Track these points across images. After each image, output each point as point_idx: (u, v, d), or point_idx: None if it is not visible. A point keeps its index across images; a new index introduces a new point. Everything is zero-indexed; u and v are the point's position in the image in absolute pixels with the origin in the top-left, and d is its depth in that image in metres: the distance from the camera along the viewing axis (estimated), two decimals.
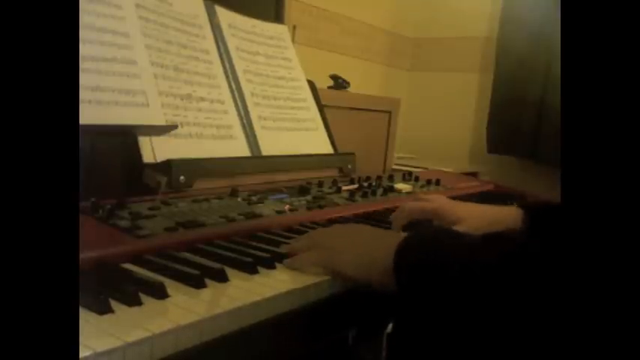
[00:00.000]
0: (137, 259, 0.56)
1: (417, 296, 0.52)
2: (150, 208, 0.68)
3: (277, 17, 1.29)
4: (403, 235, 0.56)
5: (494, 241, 0.52)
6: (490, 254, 0.49)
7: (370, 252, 0.57)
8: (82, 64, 0.75)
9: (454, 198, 1.07)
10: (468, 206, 0.84)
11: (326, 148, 1.15)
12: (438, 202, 0.82)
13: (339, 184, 0.96)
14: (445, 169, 1.56)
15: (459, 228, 0.71)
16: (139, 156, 0.78)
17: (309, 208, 0.80)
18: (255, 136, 0.99)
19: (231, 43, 1.05)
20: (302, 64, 1.20)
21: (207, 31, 1.01)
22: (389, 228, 0.78)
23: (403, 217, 0.78)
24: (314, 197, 0.87)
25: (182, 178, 0.79)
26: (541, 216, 0.79)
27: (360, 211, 0.84)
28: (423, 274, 0.51)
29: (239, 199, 0.79)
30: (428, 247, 0.54)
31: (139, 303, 0.45)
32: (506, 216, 0.80)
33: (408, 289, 0.53)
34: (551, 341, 0.41)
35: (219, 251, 0.60)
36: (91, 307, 0.43)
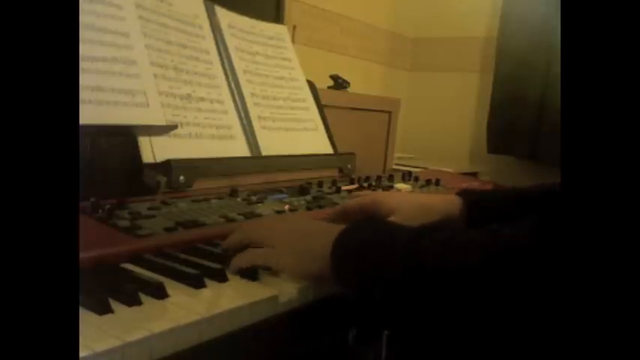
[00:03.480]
0: (137, 258, 0.56)
1: (359, 288, 0.52)
2: (149, 208, 0.68)
3: (277, 17, 1.29)
4: (340, 227, 0.55)
5: (429, 230, 0.51)
6: (426, 243, 0.49)
7: (308, 245, 0.56)
8: (82, 64, 0.75)
9: None
10: (401, 196, 0.84)
11: (326, 148, 1.15)
12: (372, 195, 0.80)
13: (339, 184, 0.96)
14: (445, 169, 1.56)
15: (394, 219, 0.69)
16: (139, 156, 0.78)
17: (308, 208, 0.80)
18: (254, 136, 0.99)
19: (231, 43, 1.05)
20: (302, 64, 1.20)
21: (207, 31, 1.01)
22: None
23: (340, 218, 0.75)
24: (314, 197, 0.87)
25: (182, 178, 0.79)
26: (478, 204, 0.78)
27: None
28: (360, 266, 0.51)
29: (239, 199, 0.79)
30: (365, 236, 0.53)
31: (138, 303, 0.45)
32: (443, 204, 0.78)
33: (347, 280, 0.53)
34: (540, 333, 0.41)
35: (219, 251, 0.60)
36: (90, 307, 0.43)
